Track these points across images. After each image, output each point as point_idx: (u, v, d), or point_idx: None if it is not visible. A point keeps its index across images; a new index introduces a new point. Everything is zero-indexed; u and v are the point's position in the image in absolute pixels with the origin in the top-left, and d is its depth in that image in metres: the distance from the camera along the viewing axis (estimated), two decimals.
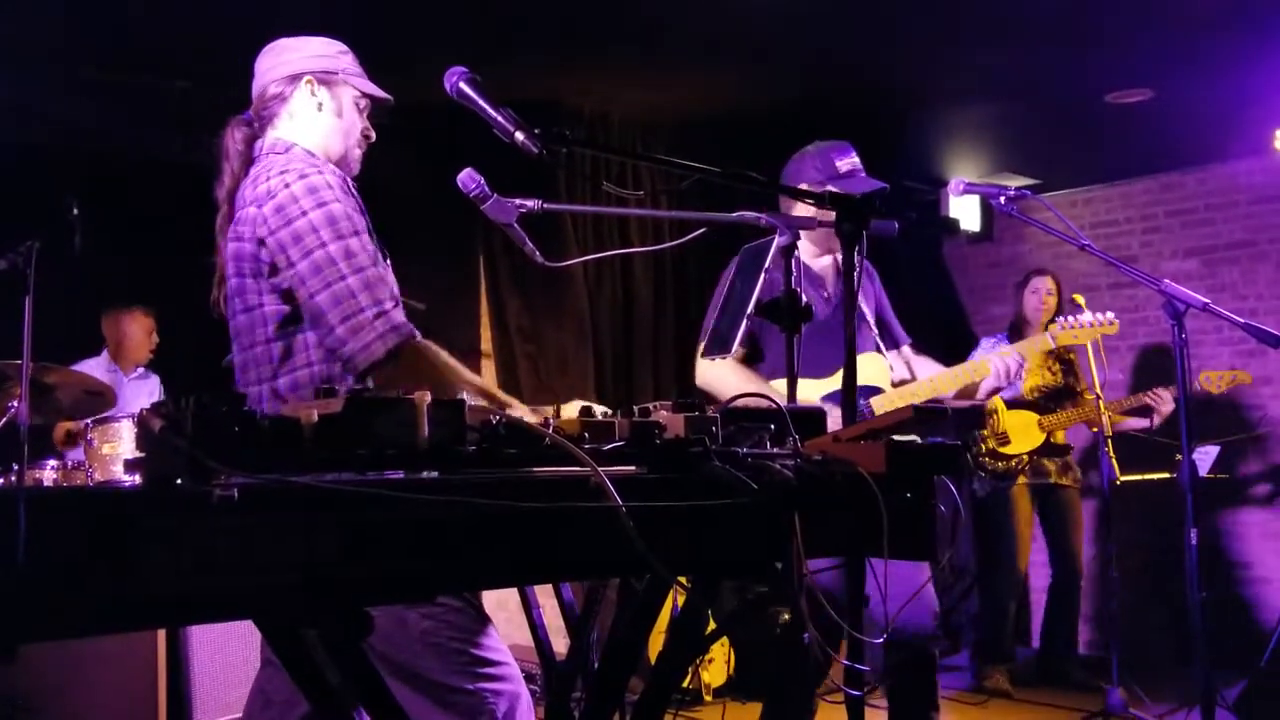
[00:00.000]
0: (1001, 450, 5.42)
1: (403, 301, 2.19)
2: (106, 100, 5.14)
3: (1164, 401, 5.25)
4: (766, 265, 2.26)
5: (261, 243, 2.11)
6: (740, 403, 1.82)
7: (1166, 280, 3.10)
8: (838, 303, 3.37)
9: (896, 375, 3.41)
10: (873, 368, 3.32)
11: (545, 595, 2.48)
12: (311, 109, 2.30)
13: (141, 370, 5.35)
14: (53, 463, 3.57)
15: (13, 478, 2.97)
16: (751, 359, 3.33)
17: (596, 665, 2.34)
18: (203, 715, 3.98)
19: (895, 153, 5.73)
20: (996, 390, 3.54)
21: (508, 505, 1.40)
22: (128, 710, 3.80)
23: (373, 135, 2.39)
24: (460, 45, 4.57)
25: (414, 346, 2.11)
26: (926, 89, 5.32)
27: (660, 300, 5.82)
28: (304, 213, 2.09)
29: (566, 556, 1.49)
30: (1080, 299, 4.89)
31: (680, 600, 1.77)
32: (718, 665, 5.02)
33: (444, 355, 2.16)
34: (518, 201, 2.31)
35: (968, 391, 3.51)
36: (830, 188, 3.28)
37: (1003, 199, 3.11)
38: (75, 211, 3.23)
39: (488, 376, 5.33)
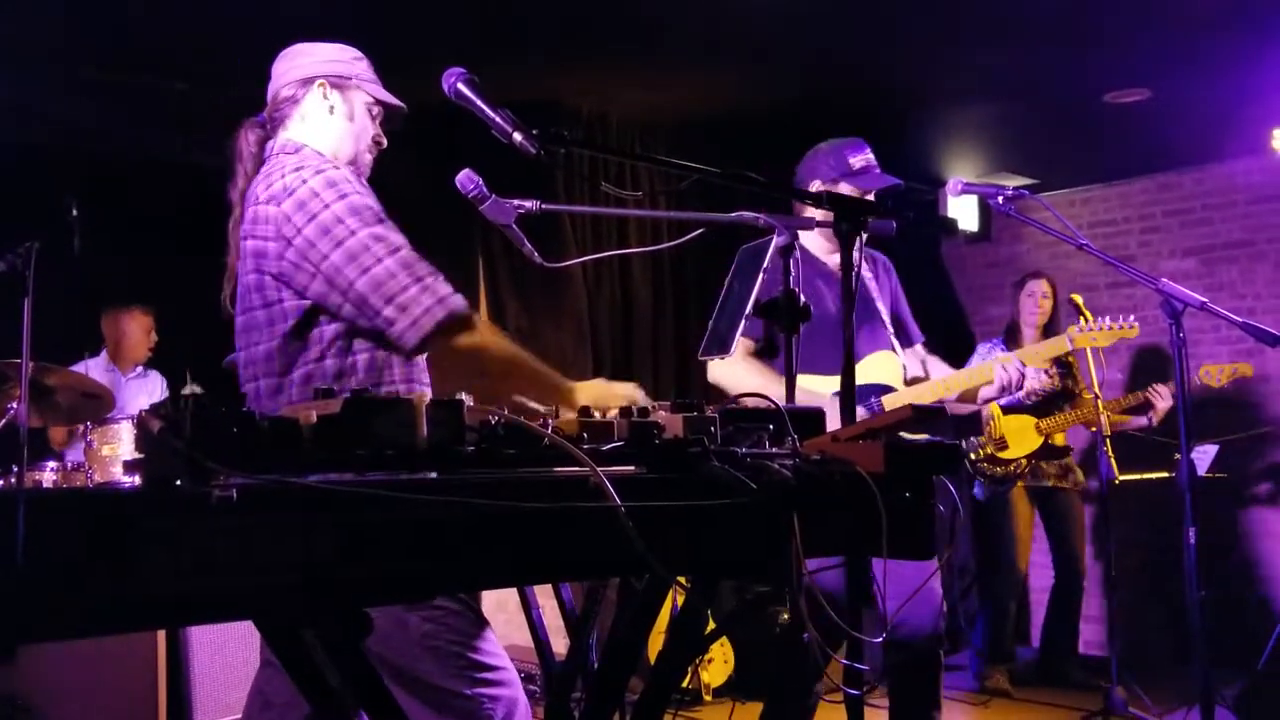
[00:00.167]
0: (1000, 455, 5.42)
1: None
2: (106, 101, 5.14)
3: (1161, 397, 5.26)
4: (765, 265, 2.26)
5: (289, 242, 2.11)
6: (739, 403, 1.82)
7: (1164, 279, 3.10)
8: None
9: (911, 373, 3.40)
10: (886, 366, 3.32)
11: (545, 595, 2.48)
12: (323, 112, 2.31)
13: (140, 369, 5.35)
14: (52, 464, 3.57)
15: (12, 479, 2.97)
16: (766, 354, 3.32)
17: (596, 665, 2.34)
18: (202, 716, 3.98)
19: (894, 153, 5.71)
20: (999, 397, 3.54)
21: (507, 505, 1.40)
22: (128, 711, 3.80)
23: (384, 141, 2.40)
24: (458, 45, 4.57)
25: (468, 317, 2.12)
26: (925, 89, 5.32)
27: (659, 301, 5.82)
28: (327, 205, 2.10)
29: (566, 557, 1.49)
30: (1078, 299, 4.89)
31: (680, 600, 1.77)
32: (717, 665, 5.02)
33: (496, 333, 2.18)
34: (516, 202, 2.32)
35: (968, 395, 3.51)
36: (844, 184, 3.29)
37: (1001, 199, 3.11)
38: (75, 212, 3.23)
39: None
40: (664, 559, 1.45)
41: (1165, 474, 5.28)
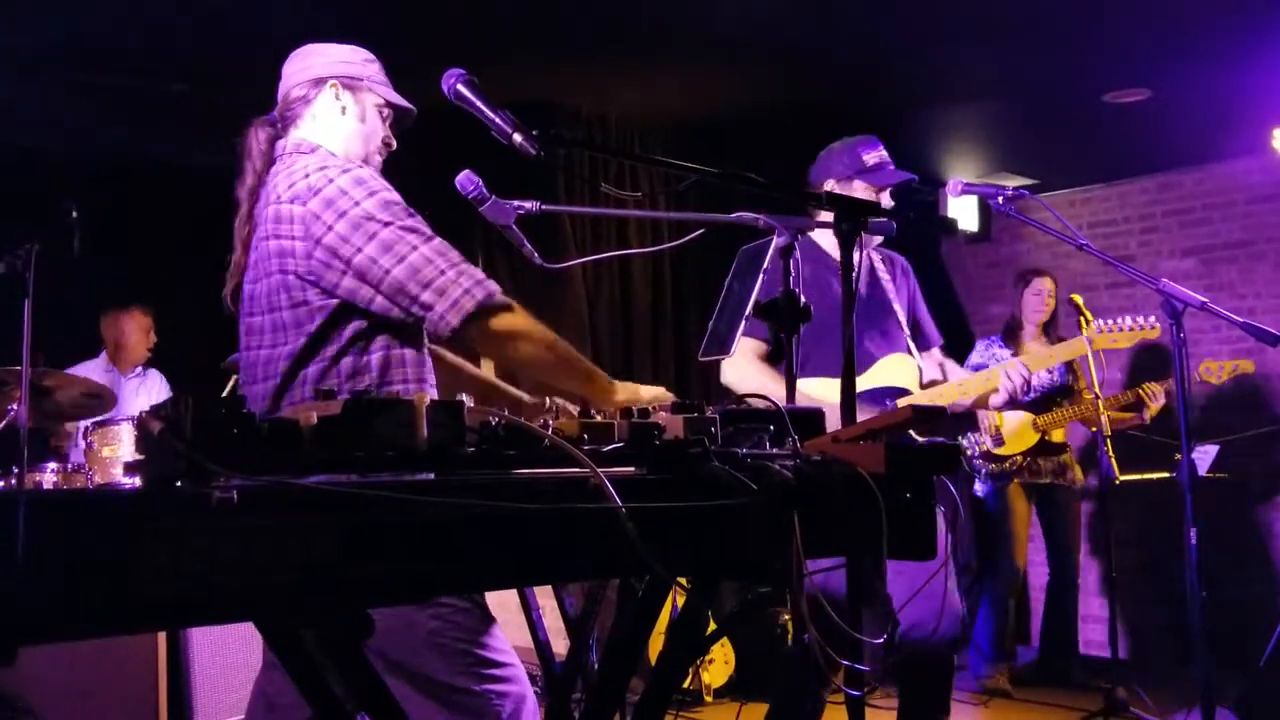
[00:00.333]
0: (996, 452, 5.42)
1: None
2: (106, 103, 5.14)
3: (1153, 397, 5.25)
4: (765, 266, 2.26)
5: (318, 241, 2.11)
6: (739, 404, 1.82)
7: (1164, 279, 3.10)
8: (867, 299, 3.36)
9: (927, 377, 3.39)
10: (901, 369, 3.30)
11: (545, 596, 2.48)
12: (335, 112, 2.32)
13: (140, 370, 5.35)
14: (52, 465, 3.57)
15: (12, 480, 2.97)
16: (777, 358, 3.32)
17: (596, 666, 2.34)
18: (203, 717, 3.97)
19: (893, 153, 5.72)
20: (1008, 404, 3.53)
21: (507, 507, 1.40)
22: (128, 712, 3.80)
23: (393, 143, 2.41)
24: (458, 46, 4.58)
25: (505, 302, 2.13)
26: (925, 89, 5.32)
27: (659, 301, 5.82)
28: (357, 202, 2.11)
29: (566, 558, 1.49)
30: (1078, 299, 4.89)
31: (680, 601, 1.77)
32: (718, 666, 5.02)
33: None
34: (516, 203, 2.32)
35: (981, 401, 3.51)
36: (858, 181, 3.29)
37: (1001, 199, 3.11)
38: (74, 214, 3.23)
39: (486, 367, 5.33)
40: (664, 560, 1.45)
41: (1166, 474, 5.27)
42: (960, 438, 5.53)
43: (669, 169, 2.31)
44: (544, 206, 2.34)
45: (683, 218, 2.84)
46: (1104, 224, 6.82)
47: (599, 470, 1.43)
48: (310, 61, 2.36)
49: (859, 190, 3.30)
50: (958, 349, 5.17)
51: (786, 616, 5.06)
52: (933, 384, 3.39)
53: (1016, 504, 5.51)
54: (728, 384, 3.25)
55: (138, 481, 1.29)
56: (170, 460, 1.22)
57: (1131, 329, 3.78)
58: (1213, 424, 5.70)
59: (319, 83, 2.32)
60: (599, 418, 1.62)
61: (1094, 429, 5.04)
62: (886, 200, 3.33)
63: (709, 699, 4.95)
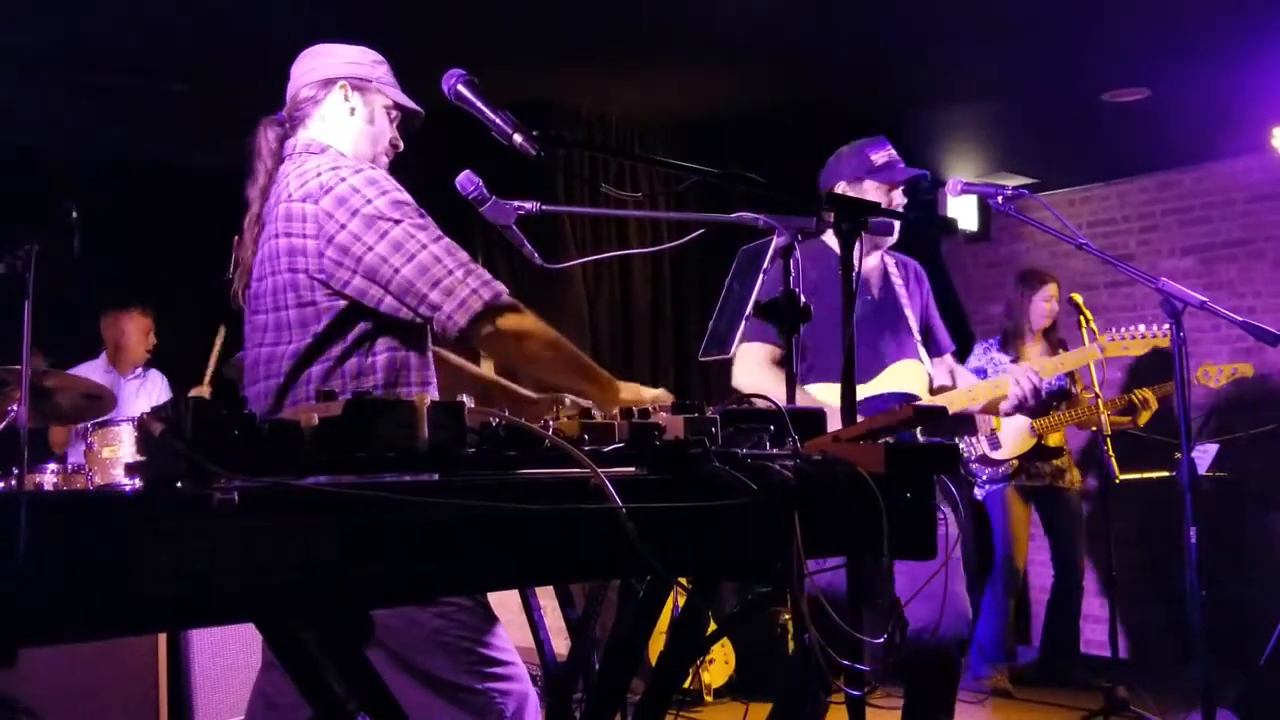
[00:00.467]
0: (993, 456, 5.42)
1: None
2: (105, 103, 5.14)
3: (1144, 403, 5.24)
4: (765, 266, 2.26)
5: (330, 239, 2.12)
6: (739, 404, 1.82)
7: (1164, 279, 3.10)
8: (879, 304, 3.36)
9: (937, 382, 3.38)
10: (911, 374, 3.30)
11: (545, 596, 2.48)
12: (344, 113, 2.33)
13: (140, 370, 5.35)
14: (53, 466, 3.57)
15: (13, 481, 2.97)
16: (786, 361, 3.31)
17: (597, 666, 2.34)
18: (203, 718, 3.98)
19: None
20: (1016, 411, 3.53)
21: (508, 507, 1.40)
22: (129, 713, 3.80)
23: (400, 145, 2.42)
24: (457, 46, 4.58)
25: (512, 303, 2.15)
26: (925, 89, 5.32)
27: (659, 301, 5.82)
28: (369, 200, 2.13)
29: (567, 558, 1.49)
30: (1078, 298, 4.89)
31: (680, 601, 1.77)
32: (718, 666, 5.03)
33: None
34: (516, 203, 2.32)
35: (991, 407, 3.51)
36: (868, 181, 3.29)
37: (1000, 198, 3.11)
38: (74, 214, 3.23)
39: (487, 365, 5.34)
40: (665, 560, 1.45)
41: (1166, 473, 5.27)
42: (958, 440, 5.52)
43: (669, 169, 2.31)
44: (544, 207, 2.34)
45: (683, 218, 2.84)
46: (1103, 223, 6.82)
47: (599, 471, 1.43)
48: (320, 62, 2.37)
49: (869, 190, 3.30)
50: (957, 349, 5.16)
51: (786, 616, 5.06)
52: (942, 390, 3.39)
53: (1015, 506, 5.52)
54: (739, 388, 3.25)
55: (138, 482, 1.29)
56: (171, 461, 1.22)
57: (1144, 337, 3.75)
58: (1212, 423, 5.70)
59: (328, 83, 2.33)
60: (600, 418, 1.62)
61: (1093, 429, 5.04)
62: (898, 198, 3.33)
63: (709, 699, 4.96)
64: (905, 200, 3.37)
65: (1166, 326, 3.81)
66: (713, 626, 1.79)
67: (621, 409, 1.65)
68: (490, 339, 2.14)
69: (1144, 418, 5.23)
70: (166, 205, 5.48)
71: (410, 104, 2.41)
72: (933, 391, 3.33)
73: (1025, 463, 5.46)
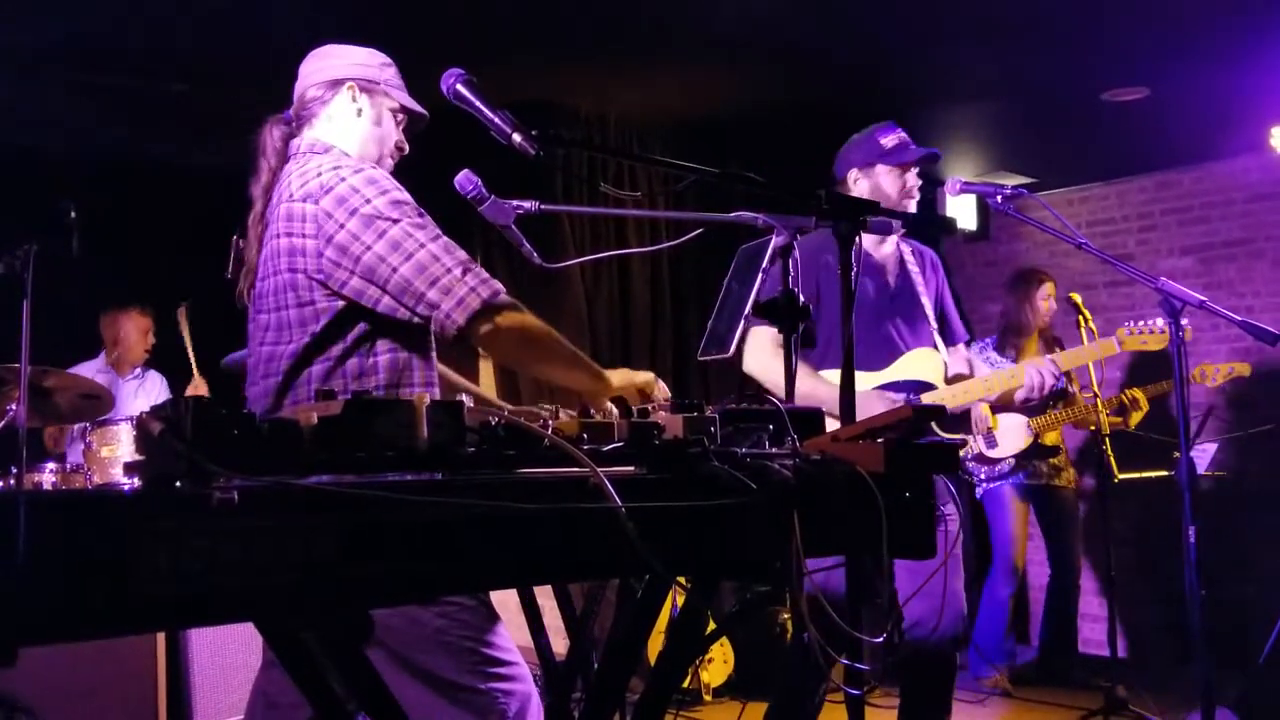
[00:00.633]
0: (989, 455, 5.42)
1: None
2: (105, 103, 5.14)
3: (1135, 403, 5.24)
4: (764, 265, 2.26)
5: (330, 239, 2.12)
6: (739, 403, 1.82)
7: (1163, 278, 3.10)
8: (896, 291, 3.36)
9: (953, 371, 3.39)
10: (927, 363, 3.30)
11: (545, 595, 2.48)
12: (351, 114, 2.34)
13: (139, 370, 5.35)
14: (51, 465, 3.57)
15: (11, 481, 2.97)
16: (803, 345, 3.31)
17: (596, 666, 2.34)
18: (202, 718, 3.98)
19: None
20: (1028, 401, 3.53)
21: (507, 507, 1.40)
22: (128, 712, 3.80)
23: (406, 148, 2.43)
24: (457, 45, 4.57)
25: (510, 301, 2.16)
26: (923, 88, 5.32)
27: (658, 301, 5.82)
28: (368, 200, 2.13)
29: (566, 558, 1.49)
30: (1077, 297, 4.89)
31: (680, 600, 1.77)
32: (717, 665, 5.03)
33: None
34: (515, 203, 2.32)
35: (1005, 398, 3.51)
36: (880, 166, 3.30)
37: (999, 198, 3.12)
38: (73, 214, 3.23)
39: (486, 377, 5.34)
40: (664, 559, 1.45)
41: (1165, 472, 5.27)
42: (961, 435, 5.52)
43: (668, 169, 2.31)
44: (543, 206, 2.34)
45: (682, 217, 2.83)
46: (1102, 222, 6.82)
47: (599, 470, 1.43)
48: (329, 62, 2.37)
49: (882, 174, 3.31)
50: None
51: (786, 616, 5.06)
52: (958, 378, 3.38)
53: (1013, 505, 5.52)
54: (750, 372, 3.25)
55: (137, 482, 1.29)
56: (170, 461, 1.22)
57: (1164, 331, 3.71)
58: (1211, 423, 5.70)
59: (336, 84, 2.33)
60: (598, 416, 1.62)
61: (1092, 428, 5.04)
62: (912, 179, 3.34)
63: (708, 698, 4.96)
64: (920, 182, 3.38)
65: (1185, 322, 3.81)
66: (712, 626, 1.79)
67: (621, 408, 1.65)
68: (488, 337, 2.14)
69: (1135, 418, 5.23)
70: (166, 205, 5.47)
71: (417, 108, 2.42)
72: (948, 380, 3.33)
73: (1022, 461, 5.47)
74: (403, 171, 2.40)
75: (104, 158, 5.69)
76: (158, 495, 1.23)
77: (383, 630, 1.38)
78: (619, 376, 2.27)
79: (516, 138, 1.99)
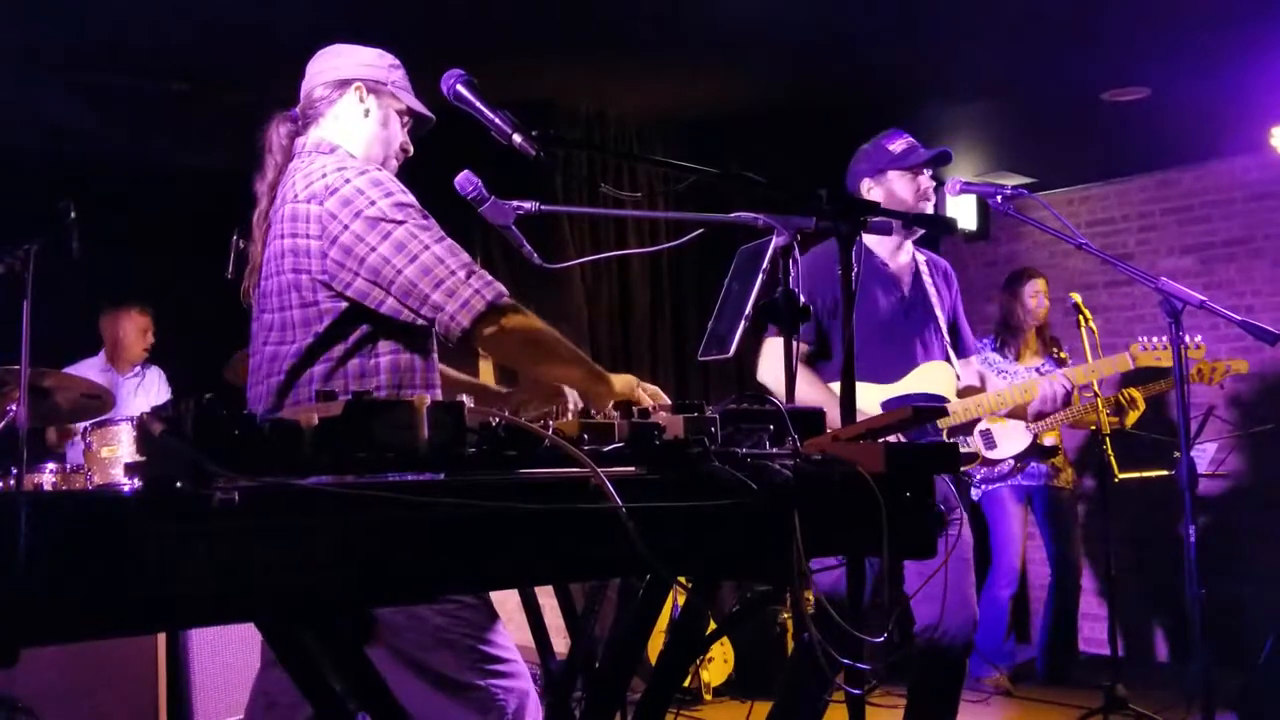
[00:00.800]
0: (988, 455, 5.42)
1: None
2: (105, 103, 5.14)
3: (1132, 402, 5.23)
4: (764, 266, 2.26)
5: (334, 240, 2.13)
6: (739, 403, 1.82)
7: (1163, 278, 3.11)
8: (910, 303, 3.36)
9: (964, 384, 3.38)
10: (939, 376, 3.30)
11: (545, 595, 2.48)
12: (358, 115, 2.34)
13: (139, 369, 5.35)
14: (51, 466, 3.57)
15: (11, 481, 2.97)
16: (820, 357, 3.31)
17: (597, 665, 2.34)
18: (203, 717, 3.98)
19: None
20: (1040, 415, 3.53)
21: (507, 507, 1.40)
22: (128, 712, 3.80)
23: (410, 150, 2.43)
24: (457, 45, 4.57)
25: (513, 303, 2.16)
26: (923, 88, 5.32)
27: (657, 301, 5.82)
28: (373, 202, 2.14)
29: (567, 558, 1.49)
30: (1078, 297, 4.89)
31: (680, 600, 1.78)
32: (717, 664, 5.03)
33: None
34: (515, 203, 2.32)
35: (1018, 411, 3.51)
36: (891, 172, 3.30)
37: (999, 198, 3.12)
38: (73, 214, 3.23)
39: (485, 378, 5.34)
40: (665, 559, 1.45)
41: (1165, 472, 5.28)
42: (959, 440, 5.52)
43: (668, 168, 2.31)
44: (543, 207, 2.34)
45: (682, 218, 2.83)
46: (1102, 222, 6.82)
47: (599, 470, 1.43)
48: (337, 62, 2.37)
49: (894, 180, 3.31)
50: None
51: (785, 615, 5.07)
52: (969, 391, 3.38)
53: (1011, 506, 5.53)
54: (764, 383, 3.24)
55: (137, 482, 1.29)
56: (171, 461, 1.22)
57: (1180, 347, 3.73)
58: (1210, 423, 5.70)
59: (344, 84, 2.34)
60: (600, 416, 1.62)
61: (1092, 428, 5.04)
62: (926, 181, 3.34)
63: (708, 697, 4.96)
64: (934, 183, 3.38)
65: (1199, 338, 3.80)
66: (712, 626, 1.79)
67: (621, 409, 1.65)
68: (492, 339, 2.15)
69: (1131, 418, 5.23)
70: (166, 205, 5.47)
71: (424, 110, 2.42)
72: (960, 394, 3.33)
73: (1021, 462, 5.47)
74: (404, 171, 2.40)
75: (104, 158, 5.69)
76: (158, 496, 1.23)
77: (383, 627, 1.39)
78: (622, 381, 2.26)
79: (517, 138, 1.99)
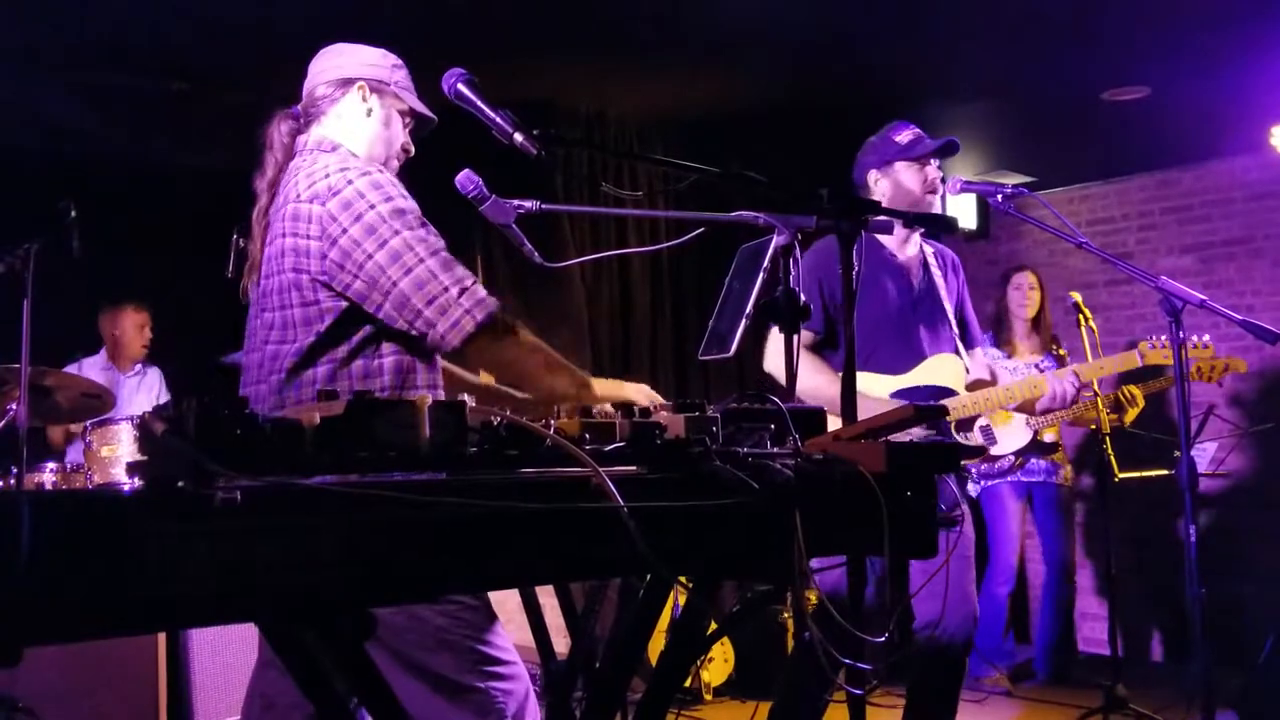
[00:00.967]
0: (989, 451, 5.42)
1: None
2: (105, 103, 5.14)
3: (1131, 400, 5.23)
4: (765, 265, 2.26)
5: (334, 241, 2.13)
6: (740, 403, 1.82)
7: (1163, 277, 3.10)
8: (919, 294, 3.36)
9: (973, 376, 3.38)
10: (948, 369, 3.29)
11: (546, 595, 2.48)
12: (361, 114, 2.34)
13: (139, 367, 5.35)
14: (51, 465, 3.57)
15: (12, 481, 2.97)
16: (827, 345, 3.31)
17: (598, 665, 2.34)
18: (203, 717, 3.97)
19: None
20: (1049, 411, 3.53)
21: (508, 506, 1.40)
22: (128, 712, 3.80)
23: (412, 150, 2.43)
24: (457, 45, 4.57)
25: (504, 319, 2.17)
26: (923, 87, 5.32)
27: (658, 300, 5.82)
28: (372, 206, 2.13)
29: (568, 557, 1.49)
30: (1078, 296, 4.89)
31: (681, 600, 1.78)
32: (718, 664, 5.03)
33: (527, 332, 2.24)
34: (516, 202, 2.32)
35: (1026, 406, 3.51)
36: (898, 164, 3.31)
37: (1000, 197, 3.12)
38: (73, 214, 3.23)
39: (489, 378, 5.33)
40: (666, 559, 1.45)
41: (1165, 471, 5.28)
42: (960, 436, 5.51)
43: (669, 168, 2.31)
44: (543, 206, 2.34)
45: (682, 217, 2.82)
46: (1102, 221, 6.82)
47: (600, 470, 1.43)
48: (340, 61, 2.37)
49: (901, 171, 3.31)
50: None
51: (786, 615, 5.06)
52: (978, 384, 3.37)
53: (1010, 503, 5.53)
54: (769, 373, 3.24)
55: (138, 482, 1.29)
56: (173, 461, 1.22)
57: (1191, 345, 3.74)
58: (1211, 422, 5.70)
59: (347, 83, 2.33)
60: (600, 418, 1.62)
61: (1092, 427, 5.04)
62: (933, 172, 3.34)
63: (709, 697, 4.96)
64: (942, 174, 3.37)
65: (1207, 337, 3.79)
66: (713, 626, 1.79)
67: (622, 409, 1.65)
68: (482, 357, 2.18)
69: (1130, 415, 5.23)
70: (166, 205, 5.48)
71: (426, 111, 2.42)
72: (969, 386, 3.33)
73: (1020, 459, 5.47)
74: (404, 171, 2.40)
75: (104, 158, 5.69)
76: (159, 495, 1.23)
77: (383, 628, 1.38)
78: (604, 386, 2.28)
79: (518, 137, 1.99)
